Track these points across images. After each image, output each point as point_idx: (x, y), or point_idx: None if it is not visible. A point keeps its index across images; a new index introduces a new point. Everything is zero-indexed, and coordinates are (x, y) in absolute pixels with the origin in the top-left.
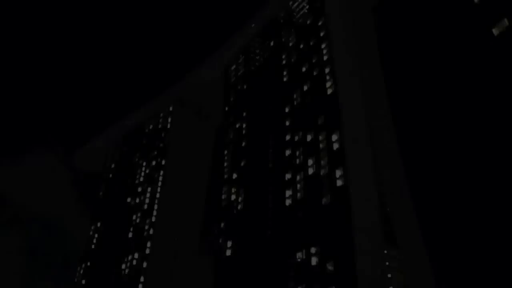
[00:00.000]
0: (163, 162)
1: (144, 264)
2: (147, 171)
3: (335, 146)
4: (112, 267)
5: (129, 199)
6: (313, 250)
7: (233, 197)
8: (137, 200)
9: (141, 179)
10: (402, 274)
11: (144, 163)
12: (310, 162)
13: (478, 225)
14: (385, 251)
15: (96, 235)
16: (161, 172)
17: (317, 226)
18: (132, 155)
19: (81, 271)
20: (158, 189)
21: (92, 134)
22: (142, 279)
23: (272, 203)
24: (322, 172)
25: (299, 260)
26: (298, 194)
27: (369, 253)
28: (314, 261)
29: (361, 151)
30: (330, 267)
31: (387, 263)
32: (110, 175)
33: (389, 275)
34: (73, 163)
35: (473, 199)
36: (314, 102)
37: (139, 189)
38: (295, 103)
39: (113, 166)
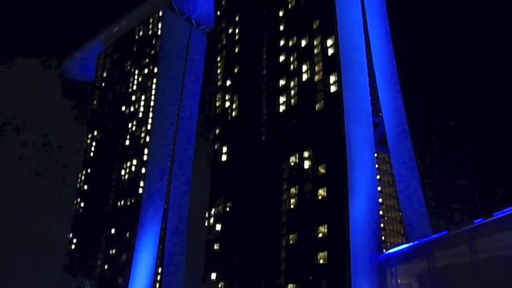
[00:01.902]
0: (155, 70)
1: (143, 170)
2: (139, 79)
3: (330, 51)
4: (112, 173)
5: (123, 108)
6: (306, 154)
7: (227, 103)
8: (132, 109)
9: (134, 87)
10: (391, 176)
11: (136, 71)
12: (304, 68)
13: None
14: (376, 155)
15: (93, 144)
16: (154, 80)
17: (310, 131)
18: (123, 63)
19: (82, 178)
20: (152, 97)
21: (80, 42)
22: (141, 183)
23: (266, 109)
24: (316, 78)
25: (292, 163)
26: (292, 101)
27: (360, 157)
28: (306, 164)
29: (356, 57)
30: (322, 170)
31: (377, 166)
32: (103, 84)
33: (378, 177)
34: (62, 72)
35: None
36: (309, 5)
37: (133, 98)
38: (289, 6)
39: (104, 75)
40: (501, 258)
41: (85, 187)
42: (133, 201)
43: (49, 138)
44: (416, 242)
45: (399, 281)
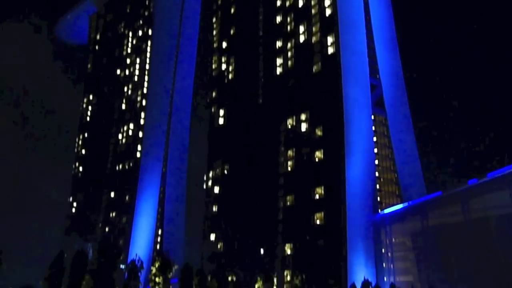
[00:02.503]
0: (149, 32)
1: (140, 134)
2: (134, 42)
3: (328, 11)
4: (109, 137)
5: (118, 71)
6: (303, 116)
7: (223, 66)
8: (127, 72)
9: (129, 50)
10: (388, 138)
11: (130, 33)
12: (301, 29)
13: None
14: (373, 117)
15: (89, 108)
16: (149, 43)
17: (307, 93)
18: (117, 25)
19: (80, 142)
20: (147, 60)
21: (71, 2)
22: (139, 147)
23: (262, 71)
24: (313, 39)
25: (289, 126)
26: (289, 63)
27: (357, 119)
28: (303, 127)
29: (354, 17)
30: (319, 132)
31: (373, 128)
32: (96, 47)
33: (374, 139)
34: (54, 35)
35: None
36: None
37: (128, 61)
38: None
39: (98, 37)
40: (492, 217)
41: (83, 151)
42: (131, 165)
43: (43, 103)
44: (410, 203)
45: (393, 240)
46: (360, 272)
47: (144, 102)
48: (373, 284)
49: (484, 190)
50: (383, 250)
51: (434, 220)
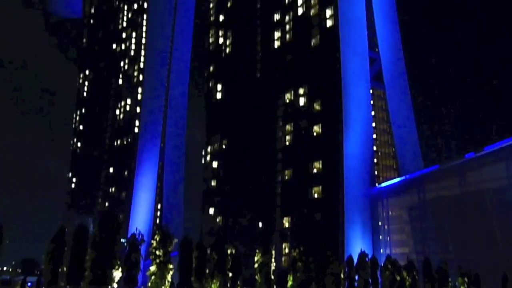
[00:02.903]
0: (145, 5)
1: (138, 109)
2: (129, 15)
3: None
4: (106, 113)
5: (114, 46)
6: (301, 90)
7: (220, 40)
8: (123, 47)
9: (124, 24)
10: (386, 112)
11: (126, 7)
12: (299, 1)
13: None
14: (371, 91)
15: (86, 83)
16: (144, 16)
17: (306, 67)
18: None
19: (77, 118)
20: (143, 34)
21: None
22: (137, 123)
23: (260, 45)
24: (312, 12)
25: (287, 100)
26: (287, 36)
27: (355, 93)
28: (302, 101)
29: None
30: (317, 107)
31: (372, 102)
32: (91, 21)
33: (373, 113)
34: (47, 8)
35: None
36: None
37: (123, 35)
38: None
39: (92, 11)
40: (489, 190)
41: (81, 127)
42: (129, 140)
43: (39, 79)
44: (407, 176)
45: (390, 213)
46: (357, 244)
47: (141, 77)
48: (369, 256)
49: (481, 164)
50: (379, 223)
51: (431, 193)
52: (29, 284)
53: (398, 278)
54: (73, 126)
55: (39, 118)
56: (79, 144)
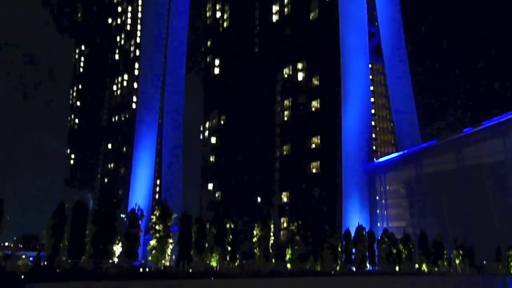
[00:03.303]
0: None
1: (135, 85)
2: None
3: None
4: (103, 89)
5: (109, 20)
6: (299, 65)
7: (218, 14)
8: (119, 21)
9: None
10: (385, 87)
11: None
12: None
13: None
14: (370, 65)
15: (82, 59)
16: None
17: (304, 42)
18: None
19: (74, 94)
20: (139, 8)
21: None
22: (134, 98)
23: (258, 19)
24: None
25: (285, 75)
26: (285, 9)
27: (354, 68)
28: (300, 76)
29: None
30: (315, 81)
31: (370, 77)
32: None
33: (371, 88)
34: None
35: None
36: None
37: (119, 9)
38: None
39: None
40: (485, 165)
41: (78, 103)
42: (127, 116)
43: (35, 55)
44: (405, 151)
45: (387, 187)
46: (354, 218)
47: (137, 52)
48: (366, 230)
49: (478, 138)
50: (377, 198)
51: (428, 168)
52: (30, 259)
53: (394, 251)
54: (70, 102)
55: (36, 95)
56: (76, 121)
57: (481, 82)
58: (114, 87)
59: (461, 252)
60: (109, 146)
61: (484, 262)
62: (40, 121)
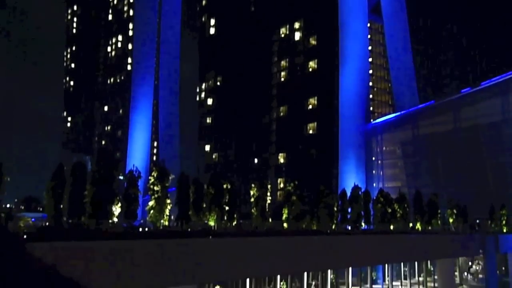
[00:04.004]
0: None
1: (129, 46)
2: None
3: None
4: (98, 50)
5: None
6: (296, 25)
7: None
8: None
9: None
10: (383, 47)
11: None
12: None
13: None
14: (369, 25)
15: (74, 19)
16: None
17: (301, 0)
18: None
19: (68, 56)
20: None
21: None
22: (129, 60)
23: None
24: None
25: (282, 35)
26: None
27: (352, 27)
28: (297, 36)
29: None
30: (313, 41)
31: (369, 36)
32: None
33: (369, 47)
34: None
35: None
36: None
37: None
38: None
39: None
40: (482, 125)
41: (72, 65)
42: (122, 78)
43: (26, 16)
44: (402, 112)
45: (384, 148)
46: (350, 178)
47: (131, 12)
48: (362, 190)
49: (476, 99)
50: (373, 158)
51: (425, 129)
52: (33, 219)
53: (389, 210)
54: (65, 64)
55: (29, 57)
56: (72, 83)
57: (484, 42)
58: (109, 49)
59: (454, 211)
60: (106, 108)
61: (478, 221)
62: (35, 84)
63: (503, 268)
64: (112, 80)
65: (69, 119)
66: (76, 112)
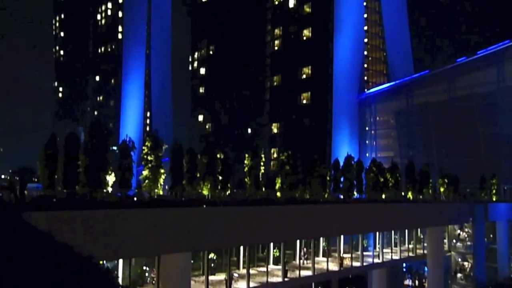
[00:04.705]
0: None
1: (120, 14)
2: None
3: None
4: (87, 18)
5: None
6: None
7: None
8: None
9: None
10: (379, 14)
11: None
12: None
13: None
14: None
15: None
16: None
17: None
18: None
19: (57, 24)
20: None
21: None
22: (120, 28)
23: None
24: None
25: (276, 2)
26: None
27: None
28: (291, 3)
29: None
30: (307, 9)
31: (364, 4)
32: None
33: (365, 15)
34: None
35: None
36: None
37: None
38: None
39: None
40: (477, 95)
41: (62, 34)
42: (113, 47)
43: None
44: (397, 81)
45: (377, 118)
46: (343, 148)
47: None
48: (355, 159)
49: (471, 68)
50: (366, 128)
51: (419, 98)
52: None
53: (381, 179)
54: (54, 33)
55: (16, 25)
56: (62, 52)
57: (482, 10)
58: (98, 16)
59: (446, 180)
60: (97, 78)
61: (468, 190)
62: (24, 53)
63: (491, 236)
64: (103, 49)
65: (61, 89)
66: (67, 82)
